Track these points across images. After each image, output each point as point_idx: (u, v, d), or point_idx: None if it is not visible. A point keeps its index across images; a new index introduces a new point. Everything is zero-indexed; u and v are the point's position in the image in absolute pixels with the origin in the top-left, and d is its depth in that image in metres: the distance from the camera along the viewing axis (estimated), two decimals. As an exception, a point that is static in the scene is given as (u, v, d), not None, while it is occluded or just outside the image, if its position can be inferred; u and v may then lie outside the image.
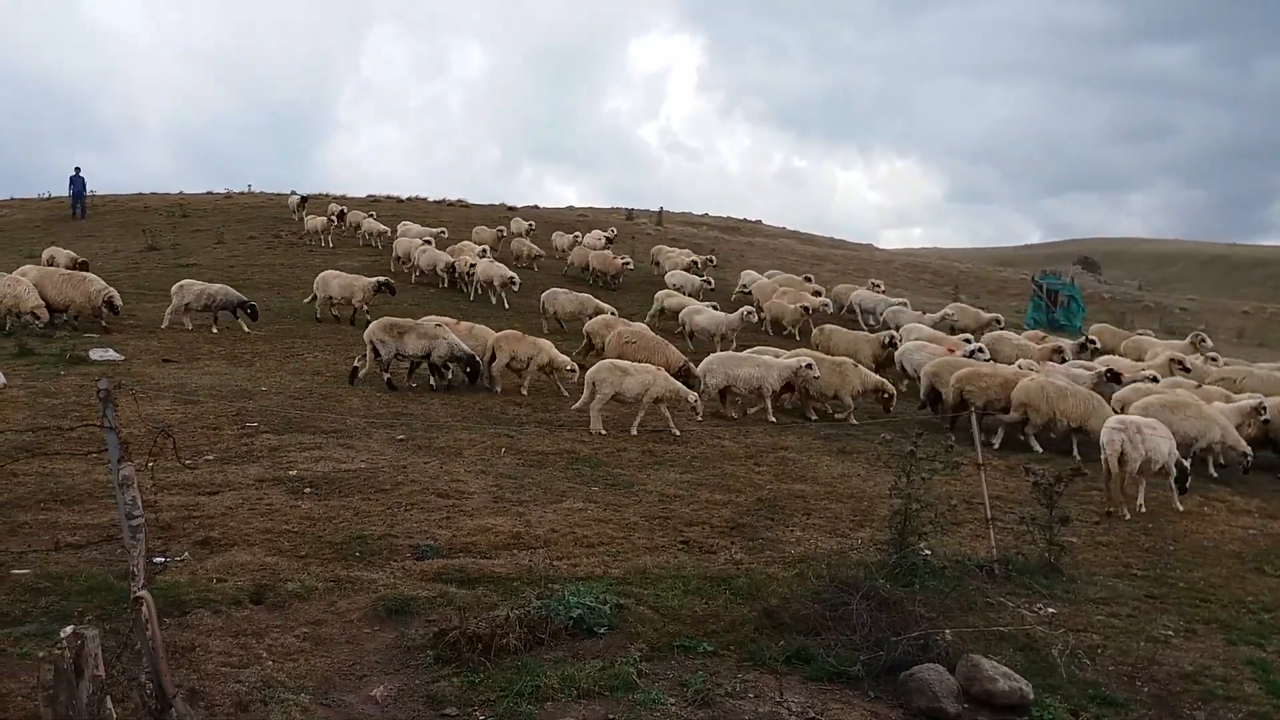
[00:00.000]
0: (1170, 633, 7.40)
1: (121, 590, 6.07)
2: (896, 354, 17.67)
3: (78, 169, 35.97)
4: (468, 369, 14.77)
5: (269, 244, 29.75)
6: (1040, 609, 7.65)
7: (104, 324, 17.31)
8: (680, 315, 20.70)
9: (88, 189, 36.70)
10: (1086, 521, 10.31)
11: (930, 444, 8.07)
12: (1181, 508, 11.21)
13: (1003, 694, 5.98)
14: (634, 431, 12.69)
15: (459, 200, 47.82)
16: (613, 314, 19.18)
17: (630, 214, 49.51)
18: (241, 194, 45.49)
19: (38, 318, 16.37)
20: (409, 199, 46.11)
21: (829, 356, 15.73)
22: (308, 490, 9.28)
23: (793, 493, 10.56)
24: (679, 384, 13.29)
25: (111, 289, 17.46)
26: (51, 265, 19.95)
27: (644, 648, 6.29)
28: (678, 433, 12.85)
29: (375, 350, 14.49)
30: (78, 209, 35.48)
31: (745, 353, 15.70)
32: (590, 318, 18.78)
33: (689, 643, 6.44)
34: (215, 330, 17.95)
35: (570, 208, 52.99)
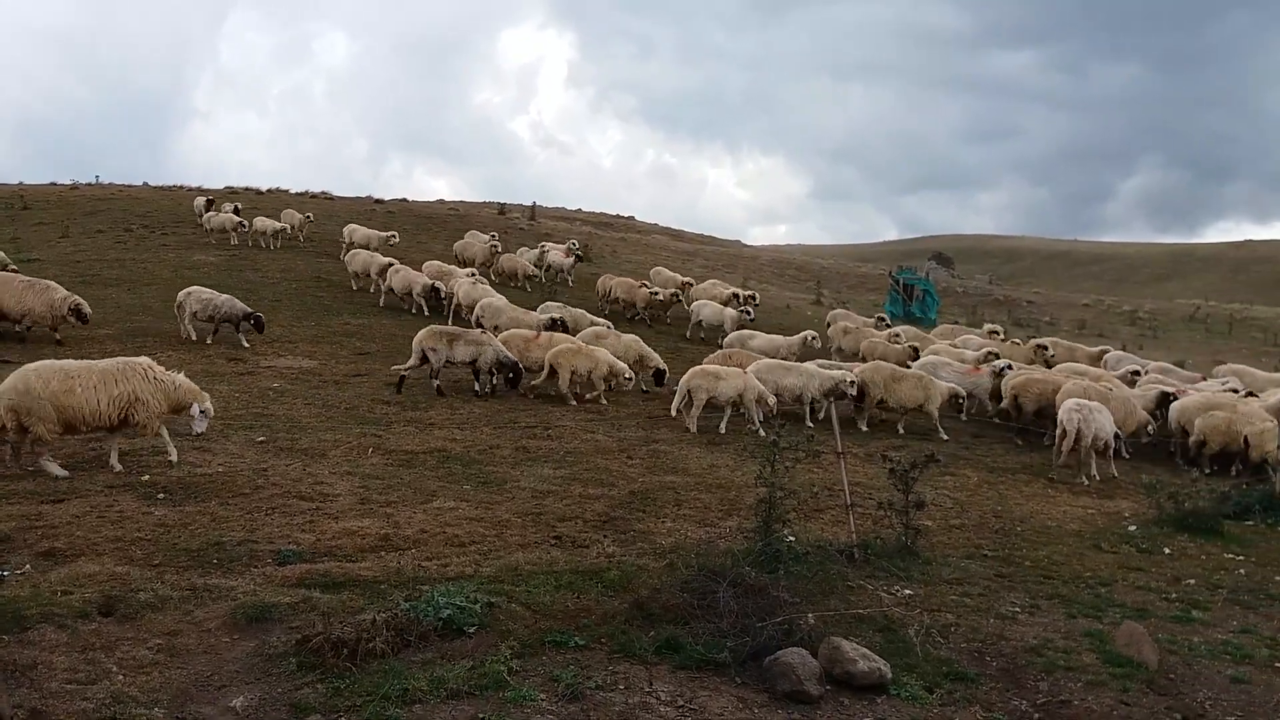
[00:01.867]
0: (1017, 609, 7.83)
1: (-48, 608, 5.70)
2: (914, 365, 17.93)
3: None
4: (510, 375, 15.09)
5: (118, 239, 28.17)
6: (898, 591, 7.99)
7: (58, 337, 15.57)
8: (728, 339, 19.98)
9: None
10: (941, 505, 10.81)
11: (793, 434, 8.32)
12: (1116, 473, 13.54)
13: (863, 674, 6.22)
14: (679, 416, 13.74)
15: (323, 192, 46.33)
16: (608, 327, 18.51)
17: (503, 208, 48.96)
18: (89, 185, 42.80)
19: None
20: (269, 191, 44.36)
21: (911, 371, 16.56)
22: (161, 496, 8.89)
23: (664, 484, 10.70)
24: (763, 387, 14.30)
25: (77, 296, 15.84)
26: None
27: (515, 645, 6.27)
28: (759, 433, 13.64)
29: (425, 358, 14.72)
30: None
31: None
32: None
33: (560, 638, 6.46)
34: (209, 341, 16.76)
35: (441, 201, 52.00)
